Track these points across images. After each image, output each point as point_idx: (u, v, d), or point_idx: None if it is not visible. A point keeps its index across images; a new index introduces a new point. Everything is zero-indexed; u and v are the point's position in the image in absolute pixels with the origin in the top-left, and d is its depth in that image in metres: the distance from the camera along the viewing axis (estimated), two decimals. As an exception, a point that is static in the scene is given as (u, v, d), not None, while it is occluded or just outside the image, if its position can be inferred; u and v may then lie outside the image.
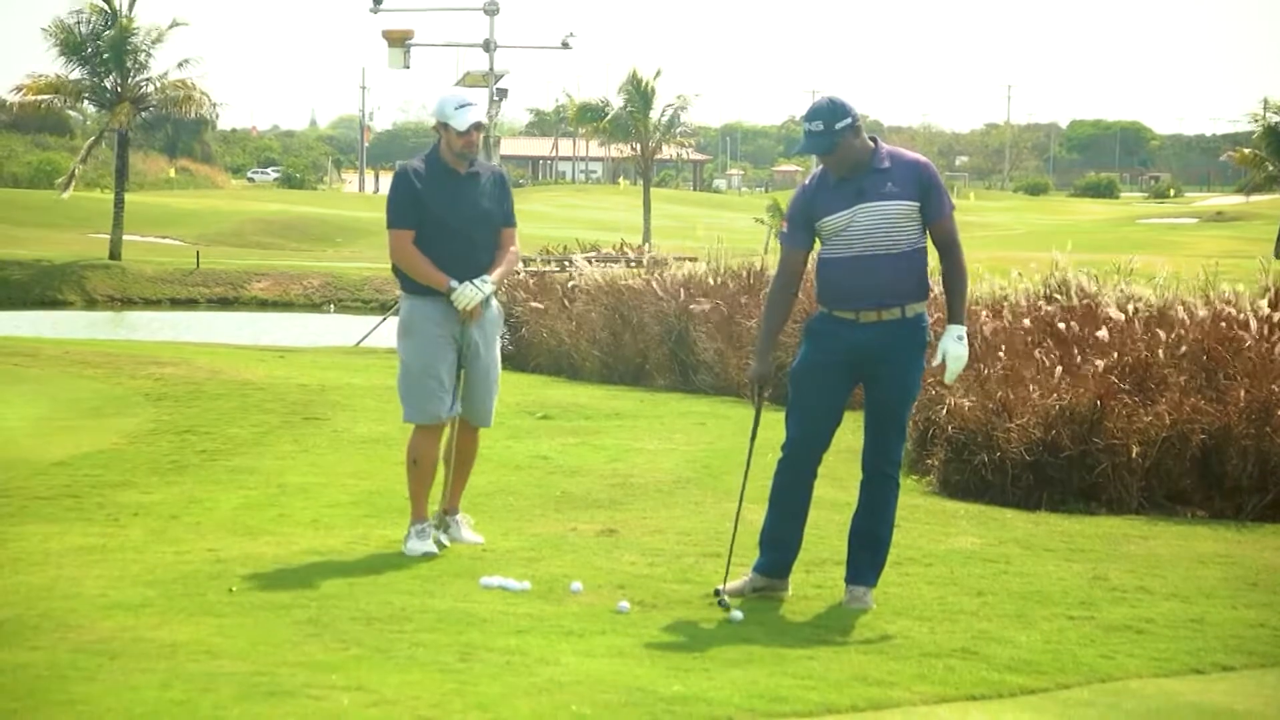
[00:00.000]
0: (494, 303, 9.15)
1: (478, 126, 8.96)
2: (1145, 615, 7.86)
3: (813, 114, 7.94)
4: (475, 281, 8.89)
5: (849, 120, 7.89)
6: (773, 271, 18.20)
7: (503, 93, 34.01)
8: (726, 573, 8.16)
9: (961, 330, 7.99)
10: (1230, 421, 11.08)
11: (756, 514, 10.17)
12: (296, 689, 6.14)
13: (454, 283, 8.86)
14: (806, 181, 8.24)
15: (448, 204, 8.92)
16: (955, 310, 8.02)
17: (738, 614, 7.64)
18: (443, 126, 8.99)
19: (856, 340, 7.94)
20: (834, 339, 8.01)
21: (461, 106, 8.95)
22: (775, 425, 8.44)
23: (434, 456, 9.10)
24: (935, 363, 8.12)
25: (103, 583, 7.95)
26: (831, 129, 7.87)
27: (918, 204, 7.90)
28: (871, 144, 8.00)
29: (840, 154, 7.92)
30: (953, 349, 7.97)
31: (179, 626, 7.10)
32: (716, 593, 7.93)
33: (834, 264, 7.99)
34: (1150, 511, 11.00)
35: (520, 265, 20.33)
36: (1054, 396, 11.32)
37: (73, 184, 54.12)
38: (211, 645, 6.78)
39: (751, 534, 8.46)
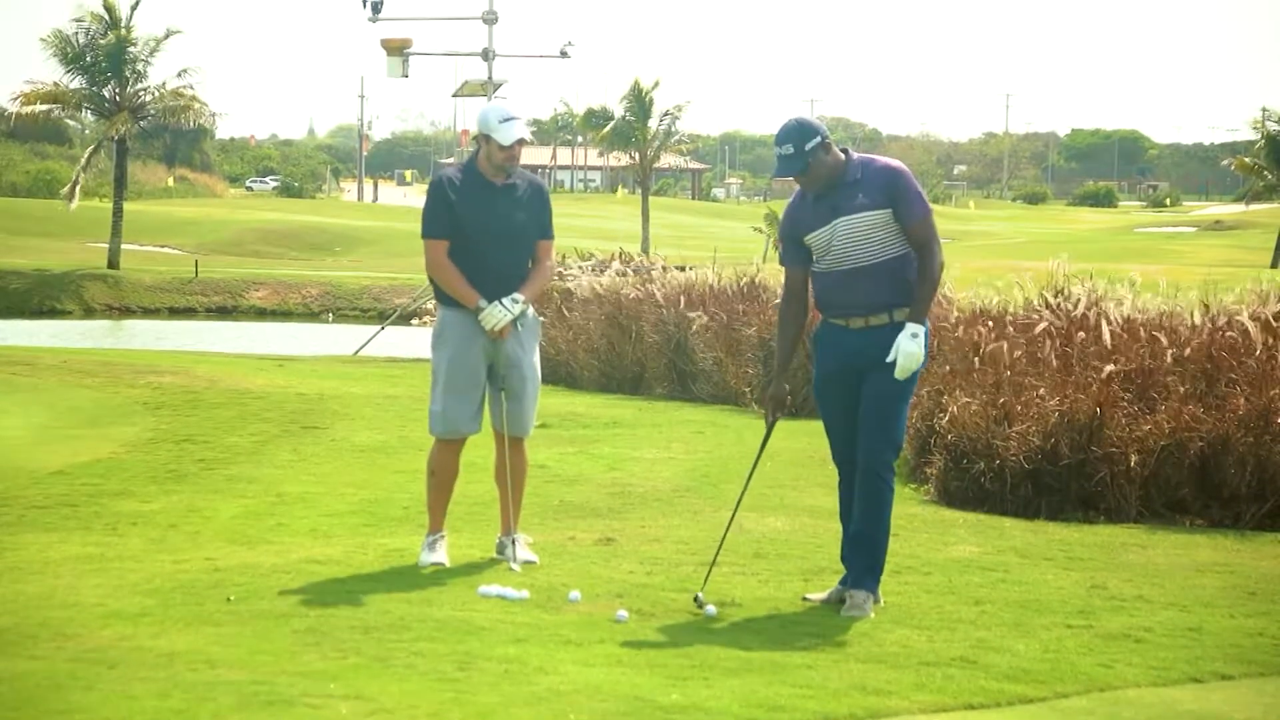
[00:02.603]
0: (531, 311, 9.03)
1: (521, 141, 8.89)
2: (1144, 624, 7.86)
3: (782, 137, 8.06)
4: (505, 301, 8.78)
5: (818, 139, 8.00)
6: (770, 279, 18.22)
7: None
8: (706, 577, 8.18)
9: (918, 329, 7.99)
10: (1229, 430, 11.08)
11: (754, 522, 10.21)
12: (295, 698, 6.14)
13: (483, 302, 8.77)
14: (791, 199, 8.33)
15: (480, 216, 8.81)
16: (915, 309, 8.03)
17: (711, 608, 7.80)
18: (484, 138, 8.86)
19: (851, 346, 8.09)
20: (833, 346, 8.17)
21: (506, 120, 8.81)
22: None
23: (453, 469, 9.05)
24: (889, 358, 8.08)
25: (101, 592, 7.96)
26: (802, 150, 7.99)
27: (889, 210, 7.98)
28: (843, 156, 8.10)
29: (813, 173, 8.03)
30: (905, 345, 7.95)
31: (177, 635, 7.10)
32: (696, 599, 7.97)
33: (821, 277, 8.18)
34: (1149, 520, 10.99)
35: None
36: (1054, 402, 11.31)
37: (77, 193, 54.12)
38: (210, 654, 6.78)
39: (748, 541, 8.46)
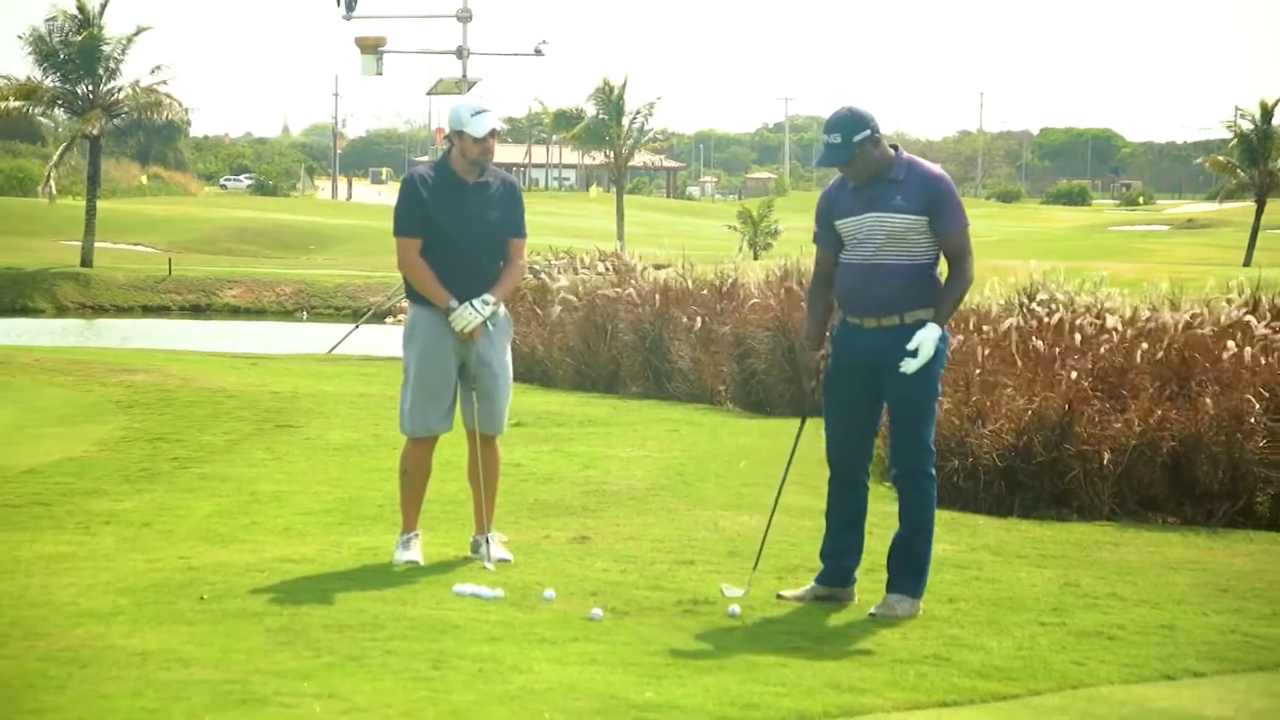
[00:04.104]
0: (502, 309, 9.01)
1: (494, 133, 8.85)
2: (1116, 621, 7.88)
3: (831, 125, 8.02)
4: (475, 303, 8.74)
5: (867, 132, 7.95)
6: (745, 279, 18.18)
7: (475, 100, 33.95)
8: (753, 570, 8.20)
9: (940, 331, 7.94)
10: (1201, 428, 11.12)
11: (729, 520, 10.23)
12: (268, 697, 6.12)
13: (454, 302, 8.74)
14: (832, 181, 8.30)
15: (453, 214, 8.78)
16: (940, 310, 7.99)
17: (735, 608, 7.82)
18: (457, 134, 8.82)
19: (863, 346, 8.04)
20: (847, 345, 8.11)
21: (477, 113, 8.78)
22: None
23: (425, 467, 9.03)
24: (910, 345, 8.02)
25: (73, 591, 7.93)
26: (849, 141, 7.95)
27: (925, 218, 7.93)
28: (892, 152, 8.05)
29: (858, 164, 7.99)
30: (927, 346, 7.85)
31: (150, 635, 7.08)
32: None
33: (845, 269, 8.12)
34: (1121, 518, 11.03)
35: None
36: (1026, 401, 11.34)
37: (53, 186, 54.01)
38: (183, 653, 6.75)
39: (722, 539, 8.47)
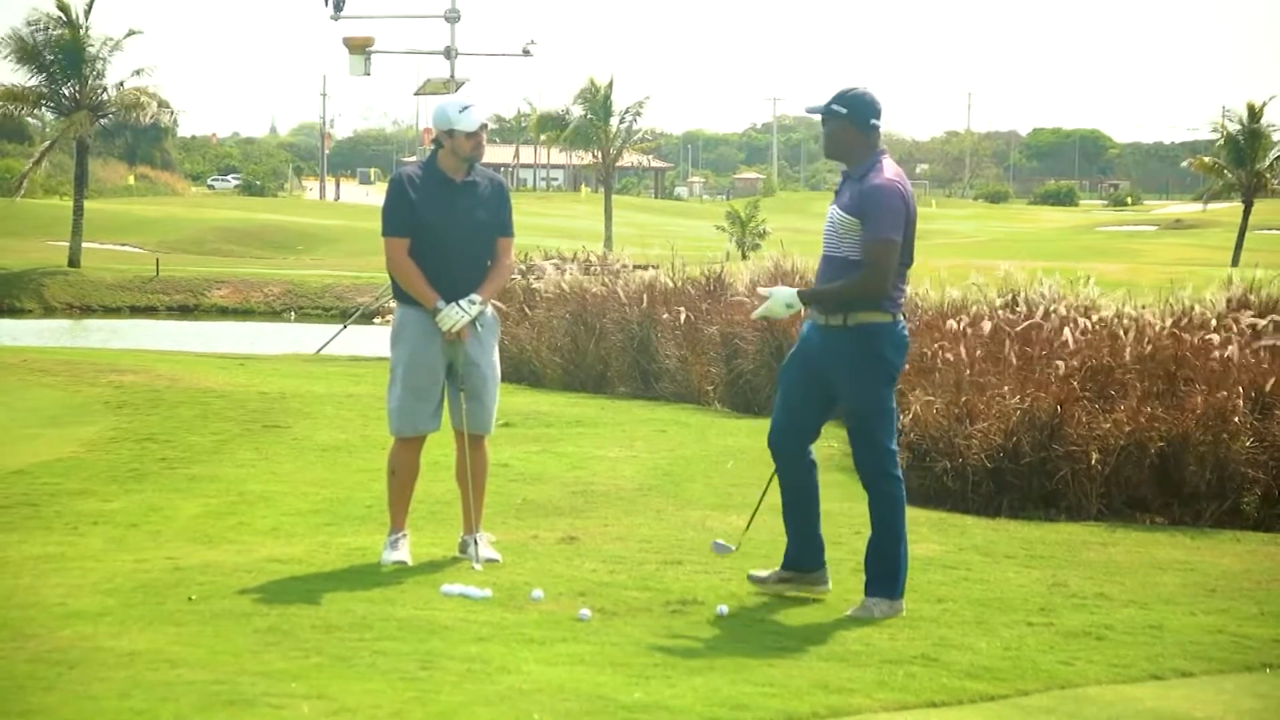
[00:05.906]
0: (489, 310, 9.00)
1: (484, 126, 8.86)
2: (1104, 621, 7.89)
3: (839, 90, 8.26)
4: (462, 303, 8.73)
5: (844, 112, 8.12)
6: (730, 279, 18.17)
7: (463, 101, 33.93)
8: (745, 530, 8.36)
9: (794, 301, 8.08)
10: (1189, 428, 11.13)
11: (717, 521, 10.23)
12: (256, 698, 6.12)
13: (441, 303, 8.74)
14: None
15: (441, 214, 8.76)
16: (814, 290, 8.12)
17: (723, 608, 7.86)
18: (446, 134, 8.81)
19: (814, 341, 8.14)
20: (806, 338, 8.22)
21: (465, 109, 8.80)
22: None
23: (413, 467, 9.01)
24: (761, 291, 8.38)
25: (61, 591, 7.92)
26: (829, 105, 8.17)
27: (858, 221, 7.97)
28: (875, 151, 8.15)
29: (826, 132, 8.24)
30: (779, 295, 8.14)
31: (138, 635, 7.07)
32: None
33: None
34: (1109, 518, 11.04)
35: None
36: (1015, 401, 11.35)
37: (24, 186, 53.91)
38: (171, 654, 6.75)
39: (710, 539, 8.46)
